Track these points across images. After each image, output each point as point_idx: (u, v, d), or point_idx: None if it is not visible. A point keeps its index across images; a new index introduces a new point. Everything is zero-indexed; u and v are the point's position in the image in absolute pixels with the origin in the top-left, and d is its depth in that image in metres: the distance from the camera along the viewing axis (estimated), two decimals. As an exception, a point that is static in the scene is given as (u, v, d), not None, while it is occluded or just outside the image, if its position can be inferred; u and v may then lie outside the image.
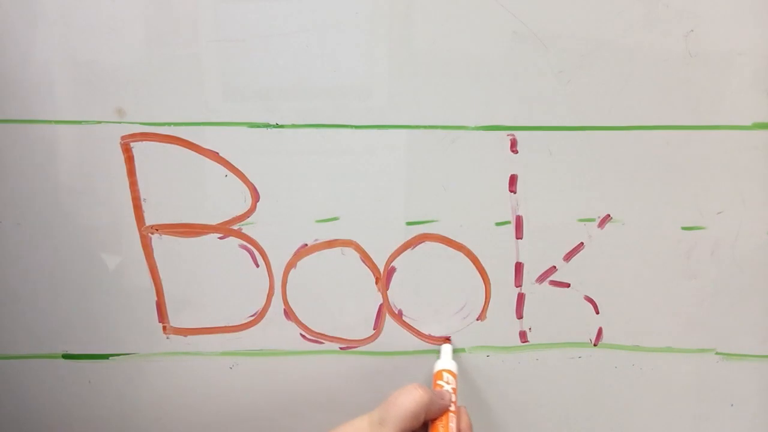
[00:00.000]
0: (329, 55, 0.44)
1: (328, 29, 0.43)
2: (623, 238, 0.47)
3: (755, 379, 0.50)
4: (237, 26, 0.43)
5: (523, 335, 0.50)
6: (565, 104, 0.44)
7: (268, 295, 0.50)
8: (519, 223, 0.47)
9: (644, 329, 0.50)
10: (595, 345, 0.50)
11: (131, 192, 0.47)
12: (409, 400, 0.41)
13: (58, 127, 0.46)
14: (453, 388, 0.46)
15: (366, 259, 0.49)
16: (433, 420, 0.43)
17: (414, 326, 0.50)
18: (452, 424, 0.43)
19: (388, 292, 0.49)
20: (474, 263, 0.48)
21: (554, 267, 0.48)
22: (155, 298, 0.50)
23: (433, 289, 0.49)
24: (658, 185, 0.46)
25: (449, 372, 0.47)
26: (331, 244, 0.48)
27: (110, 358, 0.51)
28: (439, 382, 0.46)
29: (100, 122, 0.45)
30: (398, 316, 0.50)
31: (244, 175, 0.47)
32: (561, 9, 0.42)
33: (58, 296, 0.50)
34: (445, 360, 0.49)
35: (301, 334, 0.51)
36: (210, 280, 0.49)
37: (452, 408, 0.44)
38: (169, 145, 0.46)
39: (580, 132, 0.45)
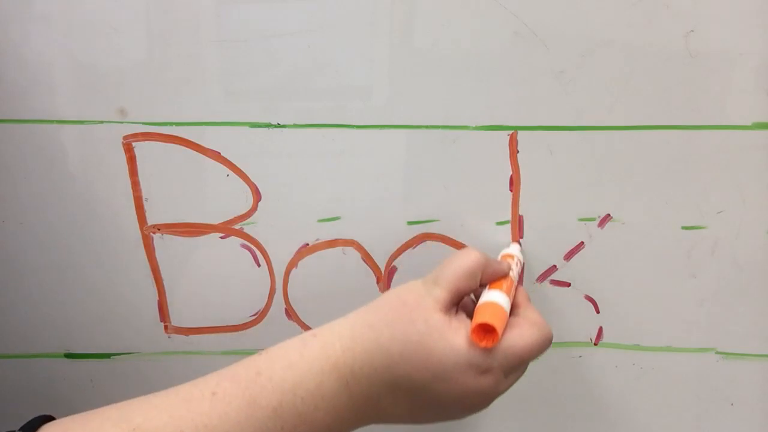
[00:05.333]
0: (330, 56, 0.44)
1: (329, 29, 0.43)
2: (624, 238, 0.47)
3: (755, 378, 0.50)
4: (238, 27, 0.44)
5: (523, 335, 0.50)
6: (566, 104, 0.44)
7: (269, 295, 0.50)
8: (519, 222, 0.47)
9: (644, 328, 0.50)
10: (595, 344, 0.50)
11: (133, 192, 0.47)
12: (465, 259, 0.37)
13: (59, 127, 0.46)
14: (510, 263, 0.42)
15: (367, 258, 0.49)
16: (491, 282, 0.39)
17: (415, 326, 0.50)
18: (507, 284, 0.39)
19: (389, 291, 0.50)
20: (475, 263, 0.48)
21: (555, 266, 0.48)
22: (157, 298, 0.50)
23: (434, 289, 0.49)
24: (658, 185, 0.46)
25: (510, 256, 0.44)
26: (332, 243, 0.48)
27: (112, 357, 0.52)
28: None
29: (101, 122, 0.46)
30: (399, 316, 0.50)
31: (245, 174, 0.47)
32: (562, 9, 0.42)
33: (60, 295, 0.50)
34: (512, 248, 0.46)
35: (302, 334, 0.51)
36: (211, 280, 0.49)
37: (512, 275, 0.41)
38: (170, 144, 0.46)
39: (581, 132, 0.45)
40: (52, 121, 0.46)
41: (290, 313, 0.50)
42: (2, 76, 0.44)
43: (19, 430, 0.35)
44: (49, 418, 0.36)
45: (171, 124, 0.46)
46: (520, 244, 0.48)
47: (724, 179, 0.46)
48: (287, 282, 0.49)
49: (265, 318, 0.50)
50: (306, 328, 0.51)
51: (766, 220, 0.47)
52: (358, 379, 0.35)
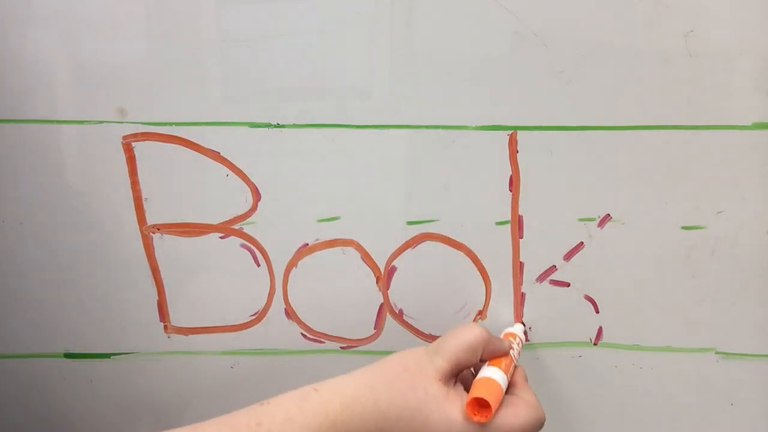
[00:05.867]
0: (330, 56, 0.44)
1: (329, 29, 0.43)
2: (623, 238, 0.47)
3: (755, 378, 0.50)
4: (238, 27, 0.43)
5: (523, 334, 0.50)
6: (566, 104, 0.44)
7: (269, 295, 0.50)
8: (519, 222, 0.47)
9: (644, 328, 0.50)
10: (595, 344, 0.50)
11: (133, 192, 0.47)
12: (468, 334, 0.40)
13: (59, 127, 0.46)
14: (512, 342, 0.44)
15: (367, 258, 0.49)
16: (491, 359, 0.41)
17: (414, 326, 0.50)
18: (506, 363, 0.41)
19: (388, 291, 0.50)
20: (474, 262, 0.48)
21: (554, 266, 0.48)
22: (156, 298, 0.50)
23: (433, 289, 0.49)
24: (658, 185, 0.46)
25: (513, 335, 0.46)
26: (332, 243, 0.48)
27: (111, 357, 0.52)
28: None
29: (101, 122, 0.46)
30: (399, 316, 0.50)
31: (245, 174, 0.47)
32: (561, 9, 0.42)
33: (60, 295, 0.50)
34: (515, 328, 0.48)
35: (302, 334, 0.51)
36: (211, 280, 0.49)
37: (512, 354, 0.43)
38: (170, 144, 0.46)
39: (581, 132, 0.45)
40: (51, 121, 0.46)
41: (290, 313, 0.50)
42: (2, 76, 0.44)
43: None
44: None
45: (171, 124, 0.45)
46: (523, 324, 0.49)
47: (724, 179, 0.46)
48: (287, 282, 0.49)
49: (265, 318, 0.50)
50: (305, 327, 0.51)
51: (766, 220, 0.47)
52: None
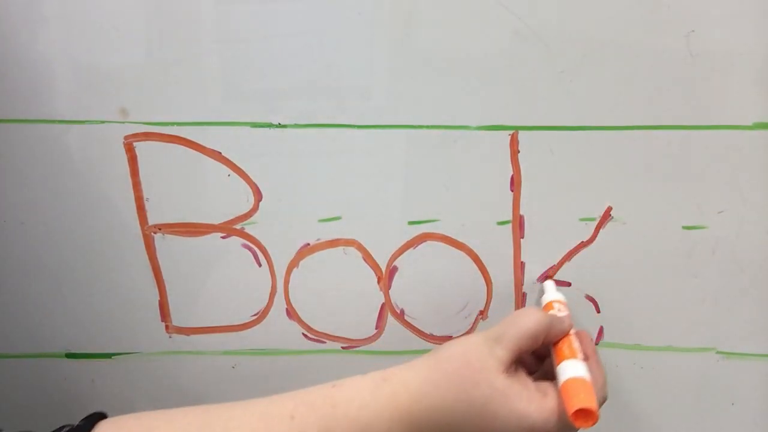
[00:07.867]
0: (331, 55, 0.44)
1: (330, 29, 0.44)
2: (624, 238, 0.47)
3: (756, 378, 0.51)
4: (239, 27, 0.44)
5: (524, 334, 0.50)
6: (567, 104, 0.44)
7: (270, 295, 0.50)
8: (520, 222, 0.47)
9: (645, 328, 0.50)
10: (596, 344, 0.50)
11: (134, 192, 0.47)
12: (530, 320, 0.38)
13: (61, 127, 0.46)
14: (568, 315, 0.43)
15: (368, 258, 0.49)
16: (555, 343, 0.40)
17: (416, 326, 0.50)
18: (576, 345, 0.40)
19: (390, 291, 0.50)
20: (476, 262, 0.49)
21: (555, 266, 0.48)
22: (158, 298, 0.50)
23: (434, 289, 0.49)
24: (659, 185, 0.46)
25: (559, 302, 0.45)
26: (333, 243, 0.48)
27: (113, 357, 0.52)
28: (551, 312, 0.43)
29: (103, 122, 0.46)
30: (400, 316, 0.50)
31: (246, 174, 0.47)
32: (562, 9, 0.42)
33: (61, 295, 0.50)
34: (551, 292, 0.46)
35: (303, 334, 0.51)
36: (212, 280, 0.49)
37: (572, 332, 0.41)
38: (171, 144, 0.46)
39: (582, 131, 0.45)
40: (53, 121, 0.46)
41: (291, 312, 0.50)
42: (3, 76, 0.45)
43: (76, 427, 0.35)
44: (103, 416, 0.37)
45: (172, 124, 0.46)
46: (551, 279, 0.49)
47: (724, 179, 0.46)
48: (288, 282, 0.49)
49: (266, 318, 0.50)
50: (307, 327, 0.51)
51: (766, 220, 0.47)
52: None
